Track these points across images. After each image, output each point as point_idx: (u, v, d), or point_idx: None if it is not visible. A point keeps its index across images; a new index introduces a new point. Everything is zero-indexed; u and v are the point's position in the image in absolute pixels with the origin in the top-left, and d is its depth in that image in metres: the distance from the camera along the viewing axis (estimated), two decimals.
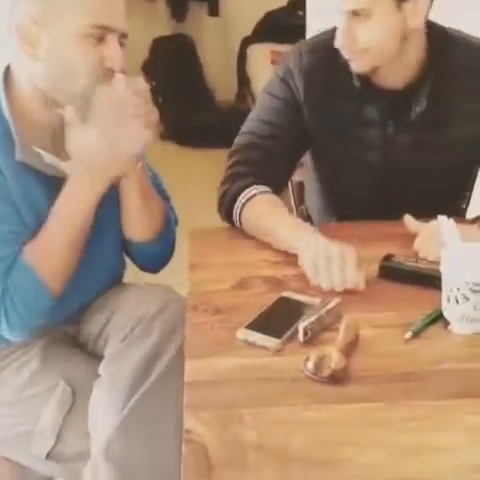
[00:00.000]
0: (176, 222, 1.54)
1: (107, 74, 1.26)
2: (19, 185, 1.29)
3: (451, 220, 1.27)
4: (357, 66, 1.48)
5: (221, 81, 4.93)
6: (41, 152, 1.31)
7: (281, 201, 1.51)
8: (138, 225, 1.41)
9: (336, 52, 1.49)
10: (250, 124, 1.62)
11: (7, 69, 1.33)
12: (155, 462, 1.18)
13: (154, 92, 4.22)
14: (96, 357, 1.35)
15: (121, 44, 1.28)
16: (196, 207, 3.13)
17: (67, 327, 1.45)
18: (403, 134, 1.56)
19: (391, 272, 1.37)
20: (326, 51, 1.53)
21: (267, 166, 1.55)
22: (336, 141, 1.60)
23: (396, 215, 1.49)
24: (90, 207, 1.28)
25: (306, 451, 0.95)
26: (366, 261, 1.37)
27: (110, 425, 1.20)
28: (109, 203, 1.35)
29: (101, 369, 1.28)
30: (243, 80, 4.75)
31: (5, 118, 1.29)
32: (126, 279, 1.57)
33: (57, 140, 1.29)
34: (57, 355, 1.37)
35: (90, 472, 1.20)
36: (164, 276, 1.54)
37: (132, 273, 1.57)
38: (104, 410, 1.23)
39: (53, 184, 1.30)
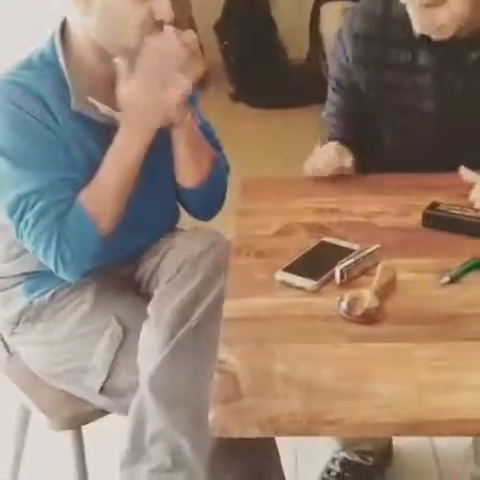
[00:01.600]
0: (228, 171, 1.59)
1: (157, 27, 1.31)
2: (73, 133, 1.36)
3: None
4: (437, 37, 1.50)
5: (294, 40, 4.90)
6: (96, 103, 1.38)
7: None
8: (187, 171, 1.46)
9: (390, 6, 1.52)
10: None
11: (64, 22, 1.40)
12: (197, 395, 1.24)
13: (226, 52, 4.30)
14: (148, 298, 1.42)
15: None
16: (266, 167, 3.17)
17: (124, 269, 1.52)
18: (459, 81, 1.55)
19: (435, 220, 1.39)
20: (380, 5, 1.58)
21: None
22: (390, 91, 1.62)
23: (451, 165, 1.49)
24: (138, 155, 1.34)
25: (332, 383, 0.99)
26: (414, 210, 1.40)
27: (154, 360, 1.27)
28: (163, 151, 1.41)
29: (149, 308, 1.35)
30: (316, 38, 4.71)
31: (62, 69, 1.36)
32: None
33: (111, 91, 1.35)
34: (110, 296, 1.45)
35: (137, 402, 1.28)
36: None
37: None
38: (150, 346, 1.30)
39: (106, 132, 1.36)
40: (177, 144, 1.43)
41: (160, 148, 1.40)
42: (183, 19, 4.65)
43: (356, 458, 1.82)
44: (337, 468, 1.82)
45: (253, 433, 0.94)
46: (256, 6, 4.89)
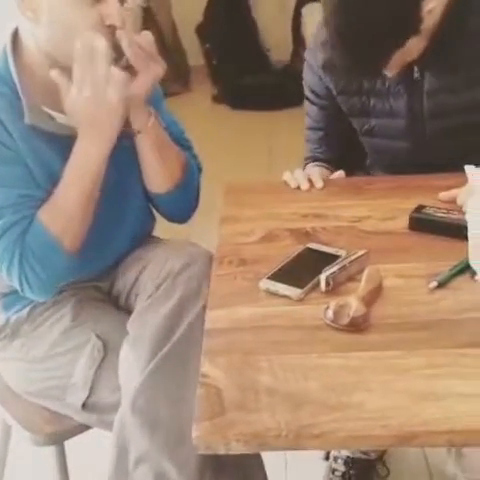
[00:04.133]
0: (200, 170, 1.55)
1: (109, 32, 1.26)
2: (31, 148, 1.30)
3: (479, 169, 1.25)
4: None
5: (276, 41, 4.89)
6: (52, 113, 1.33)
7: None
8: (156, 176, 1.43)
9: None
10: None
11: (15, 32, 1.34)
12: (180, 416, 1.20)
13: (208, 54, 4.29)
14: (128, 312, 1.38)
15: (122, 1, 1.28)
16: (249, 169, 3.15)
17: (100, 283, 1.49)
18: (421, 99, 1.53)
19: (421, 223, 1.36)
20: None
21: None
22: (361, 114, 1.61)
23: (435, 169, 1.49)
24: (98, 164, 1.29)
25: (319, 395, 0.96)
26: (400, 213, 1.37)
27: (136, 380, 1.23)
28: (130, 156, 1.38)
29: (128, 325, 1.32)
30: (298, 40, 4.70)
31: (14, 81, 1.30)
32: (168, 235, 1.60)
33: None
34: (89, 311, 1.41)
35: (119, 424, 1.24)
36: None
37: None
38: (130, 366, 1.26)
39: (65, 144, 1.30)
40: (143, 150, 1.39)
41: (125, 157, 1.36)
42: (165, 22, 4.63)
43: (358, 454, 1.81)
44: (341, 467, 1.81)
45: (238, 449, 0.91)
46: (238, 8, 4.88)
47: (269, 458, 1.41)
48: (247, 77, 4.51)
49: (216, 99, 4.58)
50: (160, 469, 1.22)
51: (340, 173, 1.60)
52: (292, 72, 4.20)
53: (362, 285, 1.15)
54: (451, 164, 1.38)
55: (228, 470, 1.30)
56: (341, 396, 0.96)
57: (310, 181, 1.54)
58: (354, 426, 0.91)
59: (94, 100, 1.24)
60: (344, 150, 1.71)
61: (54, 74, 1.26)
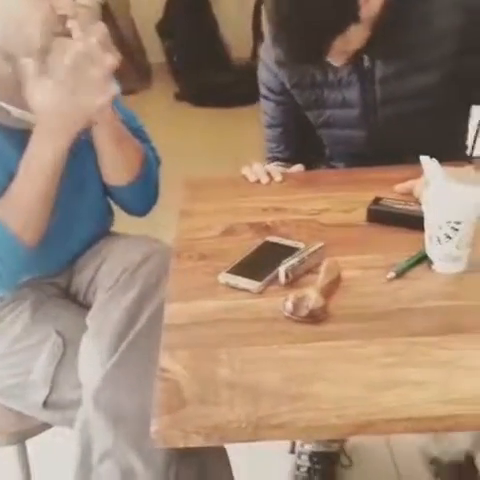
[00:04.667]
0: (158, 163, 1.55)
1: (61, 22, 1.24)
2: None
3: (434, 160, 1.27)
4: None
5: (237, 38, 4.90)
6: (8, 107, 1.31)
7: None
8: (114, 169, 1.42)
9: None
10: None
11: None
12: (144, 410, 1.19)
13: (169, 51, 4.27)
14: (87, 308, 1.38)
15: None
16: (212, 167, 3.15)
17: (59, 279, 1.47)
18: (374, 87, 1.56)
19: (379, 215, 1.37)
20: None
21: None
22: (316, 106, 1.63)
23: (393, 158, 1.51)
24: (56, 160, 1.27)
25: (278, 386, 0.96)
26: (358, 206, 1.39)
27: (98, 375, 1.22)
28: (87, 150, 1.37)
29: (87, 320, 1.31)
30: (258, 37, 4.71)
31: None
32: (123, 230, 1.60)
33: (22, 94, 1.28)
34: (48, 307, 1.40)
35: (82, 420, 1.24)
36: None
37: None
38: (91, 361, 1.25)
39: (23, 139, 1.29)
40: (100, 142, 1.38)
41: (82, 151, 1.35)
42: (124, 19, 4.60)
43: (322, 448, 1.82)
44: (306, 463, 1.83)
45: (198, 442, 0.91)
46: (198, 5, 4.87)
47: (235, 453, 1.42)
48: (208, 74, 4.51)
49: (178, 97, 4.56)
50: (126, 464, 1.22)
51: (299, 167, 1.61)
52: (253, 69, 4.19)
53: (320, 277, 1.16)
54: (407, 151, 1.40)
55: (194, 464, 1.31)
56: (300, 386, 0.96)
57: (269, 175, 1.55)
58: (313, 416, 0.92)
59: (77, 101, 1.22)
60: (303, 145, 1.73)
61: (26, 62, 1.23)
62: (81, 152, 1.34)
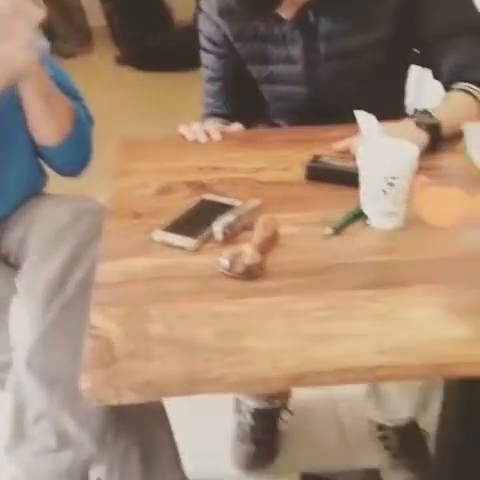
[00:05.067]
0: (91, 122, 1.51)
1: None
2: None
3: (370, 115, 1.26)
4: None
5: (179, 1, 4.81)
6: None
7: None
8: (44, 126, 1.38)
9: None
10: None
11: None
12: (77, 370, 1.17)
13: (109, 14, 4.14)
14: (19, 269, 1.34)
15: None
16: (154, 130, 3.10)
17: None
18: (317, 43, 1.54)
19: (317, 173, 1.36)
20: None
21: None
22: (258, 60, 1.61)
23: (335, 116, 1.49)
24: None
25: (212, 341, 0.95)
26: (297, 164, 1.37)
27: (30, 337, 1.20)
28: (12, 108, 1.32)
29: (17, 282, 1.28)
30: None
31: None
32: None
33: None
34: None
35: (15, 383, 1.21)
36: None
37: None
38: (22, 323, 1.23)
39: None
40: (28, 97, 1.33)
41: (7, 107, 1.30)
42: None
43: (265, 404, 1.83)
44: (249, 420, 1.83)
45: (131, 398, 0.89)
46: None
47: (177, 414, 1.41)
48: (150, 37, 4.42)
49: (119, 60, 4.47)
50: (60, 426, 1.20)
51: (238, 126, 1.59)
52: (196, 32, 4.15)
53: (257, 233, 1.15)
54: (348, 110, 1.38)
55: (131, 427, 1.29)
56: (234, 341, 0.95)
57: (207, 134, 1.52)
58: (246, 369, 0.91)
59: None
60: (243, 102, 1.70)
61: None
62: (6, 107, 1.28)
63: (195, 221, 1.20)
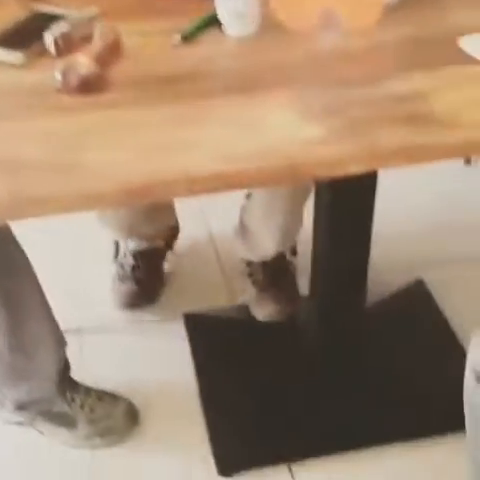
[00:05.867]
0: None
1: None
2: None
3: None
4: None
5: None
6: None
7: None
8: None
9: None
10: None
11: None
12: None
13: None
14: None
15: None
16: None
17: None
18: None
19: None
20: None
21: None
22: None
23: None
24: None
25: (45, 159, 0.85)
26: None
27: None
28: None
29: None
30: None
31: None
32: None
33: None
34: None
35: None
36: None
37: None
38: None
39: None
40: None
41: None
42: None
43: (145, 245, 1.77)
44: (130, 261, 1.78)
45: None
46: None
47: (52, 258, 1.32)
48: None
49: None
50: None
51: None
52: None
53: (94, 43, 1.02)
54: None
55: None
56: (70, 157, 0.85)
57: None
58: (84, 185, 0.81)
59: None
60: None
61: None
62: None
63: (26, 33, 1.06)
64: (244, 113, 0.93)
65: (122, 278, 1.77)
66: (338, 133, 0.87)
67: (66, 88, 0.96)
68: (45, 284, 1.37)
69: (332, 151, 0.85)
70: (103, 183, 0.82)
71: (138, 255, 1.78)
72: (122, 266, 1.78)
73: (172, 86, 0.99)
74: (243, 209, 1.71)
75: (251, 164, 0.84)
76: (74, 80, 0.96)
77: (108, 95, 0.97)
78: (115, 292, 1.77)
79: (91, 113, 0.93)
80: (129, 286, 1.76)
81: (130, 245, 1.78)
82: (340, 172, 0.85)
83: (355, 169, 0.84)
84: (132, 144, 0.88)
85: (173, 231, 1.85)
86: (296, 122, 0.90)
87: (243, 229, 1.71)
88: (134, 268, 1.77)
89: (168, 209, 1.79)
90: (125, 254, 1.79)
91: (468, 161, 2.15)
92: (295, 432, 1.48)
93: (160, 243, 1.80)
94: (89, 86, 0.97)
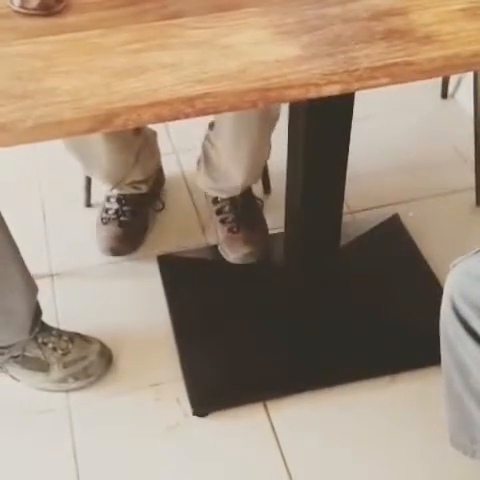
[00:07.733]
0: None
1: None
2: None
3: None
4: None
5: None
6: None
7: None
8: None
9: None
10: None
11: None
12: None
13: None
14: None
15: None
16: None
17: None
18: None
19: None
20: None
21: None
22: None
23: None
24: None
25: (2, 84, 0.80)
26: None
27: None
28: None
29: None
30: None
31: None
32: None
33: None
34: None
35: None
36: None
37: None
38: None
39: None
40: None
41: None
42: None
43: (130, 190, 1.74)
44: (114, 205, 1.74)
45: None
46: None
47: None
48: None
49: None
50: None
51: None
52: None
53: None
54: None
55: None
56: (30, 84, 0.80)
57: None
58: (44, 112, 0.77)
59: None
60: None
61: None
62: None
63: None
64: (211, 34, 0.88)
65: (106, 221, 1.73)
66: (313, 52, 0.83)
67: (25, 11, 0.91)
68: (15, 230, 1.33)
69: (307, 71, 0.81)
70: (65, 110, 0.77)
71: (122, 199, 1.74)
72: (107, 211, 1.74)
73: (135, 7, 0.93)
74: (207, 139, 1.65)
75: (222, 86, 0.80)
76: (33, 2, 0.90)
77: (68, 18, 0.92)
78: (98, 237, 1.73)
79: (52, 36, 0.88)
80: (113, 229, 1.72)
81: (114, 191, 1.75)
82: (315, 93, 0.81)
83: (331, 90, 0.81)
84: (93, 68, 0.83)
85: (158, 175, 1.83)
86: (270, 42, 0.86)
87: (207, 160, 1.66)
88: (118, 211, 1.73)
89: (152, 148, 1.76)
90: (109, 198, 1.75)
91: (445, 95, 2.12)
92: (270, 370, 1.46)
93: (144, 188, 1.76)
94: (49, 9, 0.91)
